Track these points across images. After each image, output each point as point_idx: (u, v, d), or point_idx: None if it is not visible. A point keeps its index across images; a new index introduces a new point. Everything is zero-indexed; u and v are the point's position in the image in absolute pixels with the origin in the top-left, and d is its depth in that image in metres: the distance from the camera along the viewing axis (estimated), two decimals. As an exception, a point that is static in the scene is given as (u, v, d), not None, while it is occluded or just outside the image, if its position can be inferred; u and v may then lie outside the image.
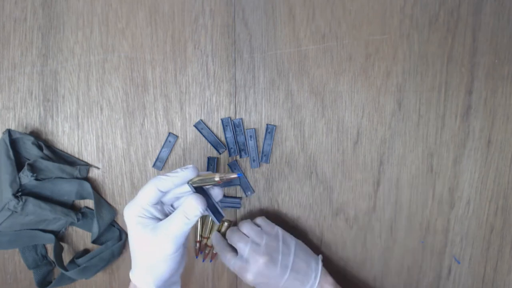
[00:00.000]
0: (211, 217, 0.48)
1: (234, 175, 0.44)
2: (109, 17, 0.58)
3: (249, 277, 0.52)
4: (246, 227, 0.55)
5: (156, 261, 0.44)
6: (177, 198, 0.47)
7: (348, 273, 0.62)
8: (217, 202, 0.48)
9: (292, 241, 0.55)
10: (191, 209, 0.43)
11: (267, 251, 0.52)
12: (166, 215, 0.46)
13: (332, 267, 0.62)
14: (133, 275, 0.47)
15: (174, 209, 0.48)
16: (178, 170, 0.45)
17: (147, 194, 0.44)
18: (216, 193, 0.48)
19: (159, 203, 0.46)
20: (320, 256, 0.56)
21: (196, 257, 0.61)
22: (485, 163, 0.59)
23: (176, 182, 0.44)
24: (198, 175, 0.45)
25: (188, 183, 0.45)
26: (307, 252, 0.55)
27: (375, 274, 0.62)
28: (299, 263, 0.53)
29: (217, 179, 0.44)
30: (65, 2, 0.58)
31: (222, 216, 0.48)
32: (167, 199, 0.47)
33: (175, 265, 0.45)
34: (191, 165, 0.45)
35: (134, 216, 0.45)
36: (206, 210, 0.46)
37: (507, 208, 0.60)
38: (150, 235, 0.44)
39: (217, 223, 0.47)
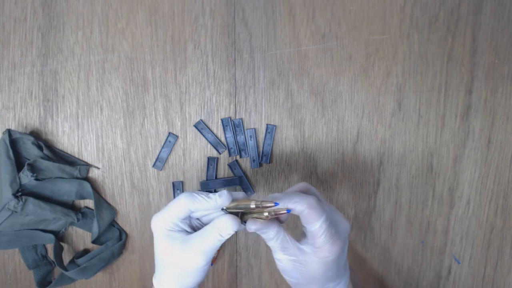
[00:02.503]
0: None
1: (271, 204, 0.41)
2: (109, 17, 0.58)
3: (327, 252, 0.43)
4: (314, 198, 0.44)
5: (186, 273, 0.45)
6: (207, 215, 0.47)
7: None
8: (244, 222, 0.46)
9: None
10: (226, 227, 0.43)
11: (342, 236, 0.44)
12: (193, 228, 0.46)
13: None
14: (157, 283, 0.47)
15: (201, 222, 0.47)
16: (212, 196, 0.44)
17: (177, 210, 0.44)
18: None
19: (187, 217, 0.46)
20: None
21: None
22: (485, 163, 0.59)
23: (208, 207, 0.44)
24: (232, 201, 0.44)
25: (222, 209, 0.44)
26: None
27: (375, 274, 0.62)
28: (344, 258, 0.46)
29: (252, 206, 0.42)
30: (65, 2, 0.58)
31: None
32: (195, 214, 0.47)
33: (202, 277, 0.46)
34: (225, 191, 0.44)
35: (162, 228, 0.45)
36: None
37: (507, 208, 0.60)
38: (180, 248, 0.44)
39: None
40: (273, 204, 0.41)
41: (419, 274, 0.62)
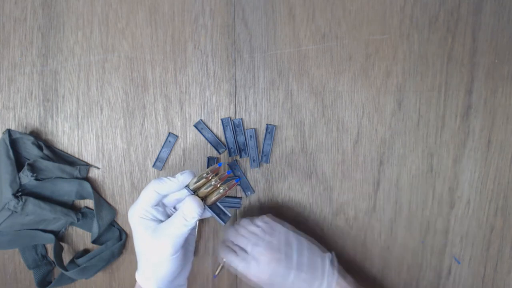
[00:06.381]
0: (217, 220, 0.49)
1: (216, 166, 0.46)
2: (109, 17, 0.58)
3: (254, 277, 0.50)
4: (246, 226, 0.53)
5: (158, 262, 0.45)
6: (179, 201, 0.48)
7: (348, 273, 0.62)
8: (219, 203, 0.49)
9: (294, 240, 0.52)
10: (189, 211, 0.44)
11: (271, 249, 0.50)
12: (169, 217, 0.47)
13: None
14: (138, 276, 0.48)
15: (176, 210, 0.48)
16: (176, 175, 0.46)
17: (147, 196, 0.46)
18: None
19: (161, 205, 0.47)
20: (329, 255, 0.53)
21: (214, 277, 0.60)
22: (485, 163, 0.59)
23: (173, 187, 0.46)
24: (194, 178, 0.47)
25: (186, 187, 0.46)
26: (314, 251, 0.52)
27: (375, 274, 0.62)
28: (304, 262, 0.50)
29: (205, 175, 0.46)
30: (65, 2, 0.58)
31: (229, 216, 0.50)
32: (168, 201, 0.48)
33: (176, 267, 0.46)
34: (187, 170, 0.47)
35: (136, 217, 0.46)
36: (209, 211, 0.48)
37: (507, 208, 0.60)
38: (151, 237, 0.45)
39: (222, 224, 0.50)
40: (217, 166, 0.47)
41: (419, 274, 0.62)
